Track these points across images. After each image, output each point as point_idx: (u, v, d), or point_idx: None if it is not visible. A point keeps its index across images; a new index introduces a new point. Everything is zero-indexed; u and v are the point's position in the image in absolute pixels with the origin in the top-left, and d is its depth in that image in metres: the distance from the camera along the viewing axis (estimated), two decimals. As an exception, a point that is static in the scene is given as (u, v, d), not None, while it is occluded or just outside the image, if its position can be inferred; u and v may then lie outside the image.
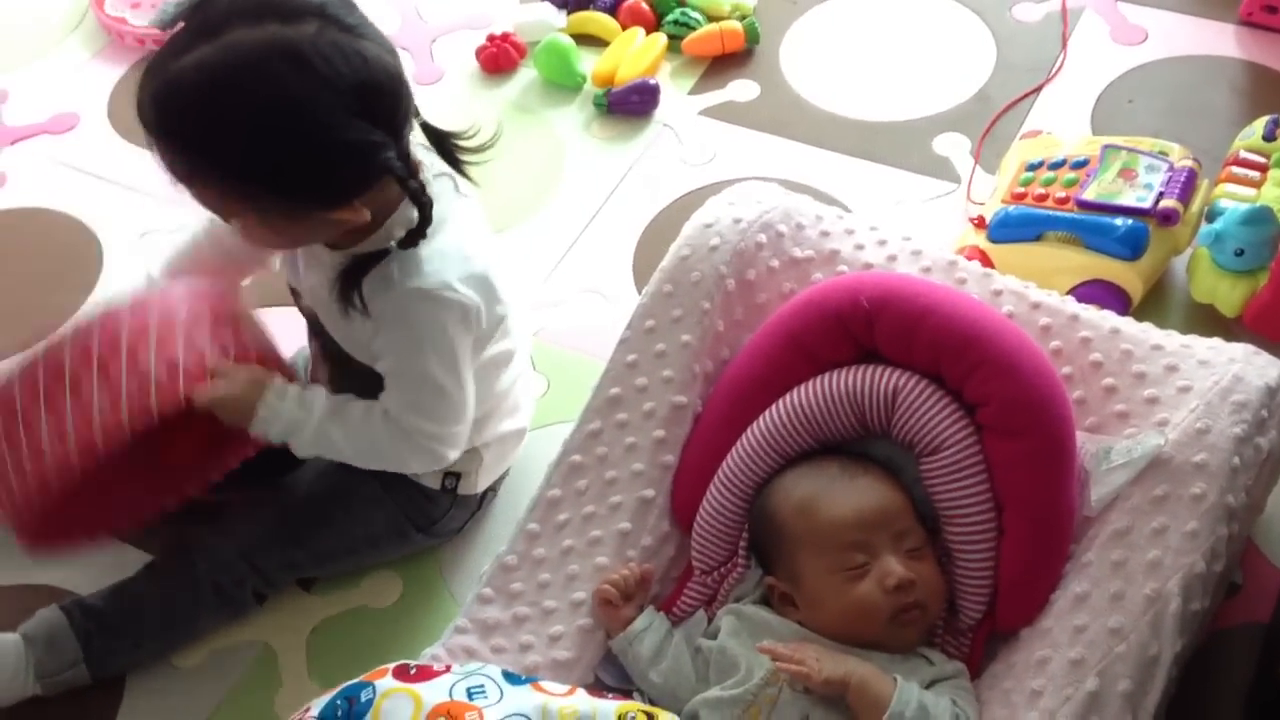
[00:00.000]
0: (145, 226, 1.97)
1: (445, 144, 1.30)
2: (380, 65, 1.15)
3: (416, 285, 1.24)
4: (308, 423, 1.30)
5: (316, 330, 1.40)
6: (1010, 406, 1.20)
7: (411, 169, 1.21)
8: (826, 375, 1.28)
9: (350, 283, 1.23)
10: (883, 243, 1.42)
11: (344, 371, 1.38)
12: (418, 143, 1.28)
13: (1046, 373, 1.22)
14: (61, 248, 1.98)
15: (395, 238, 1.24)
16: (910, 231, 1.45)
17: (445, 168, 1.31)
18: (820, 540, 1.20)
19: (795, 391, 1.29)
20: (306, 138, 1.13)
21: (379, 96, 1.15)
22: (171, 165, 1.18)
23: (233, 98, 1.11)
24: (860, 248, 1.42)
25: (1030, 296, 1.34)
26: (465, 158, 1.31)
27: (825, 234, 1.43)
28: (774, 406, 1.29)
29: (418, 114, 1.25)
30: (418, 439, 1.31)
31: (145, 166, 2.01)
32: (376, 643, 1.44)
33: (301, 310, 1.42)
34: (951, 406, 1.23)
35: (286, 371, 1.36)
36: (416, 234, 1.23)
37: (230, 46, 1.10)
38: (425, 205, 1.21)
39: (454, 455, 1.34)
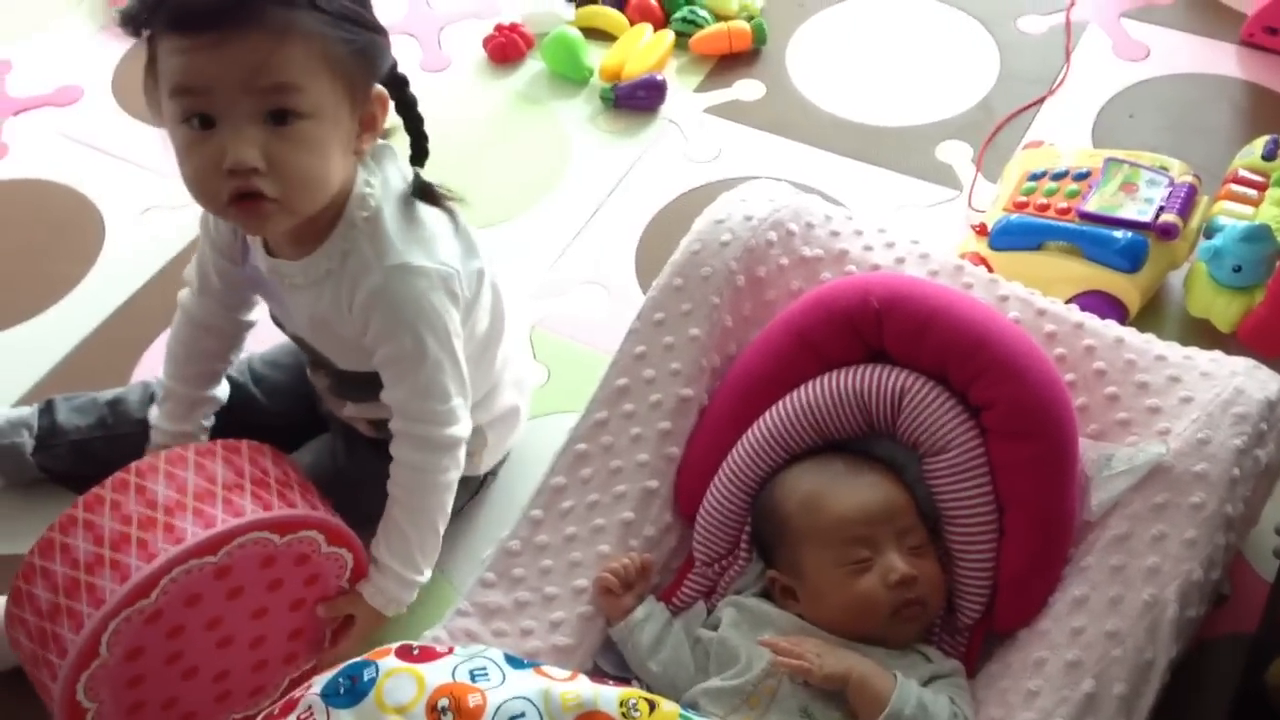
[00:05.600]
0: (147, 202, 1.97)
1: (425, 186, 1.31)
2: None
3: (394, 262, 1.23)
4: (386, 561, 1.33)
5: (305, 348, 1.39)
6: (1015, 410, 1.21)
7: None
8: (834, 373, 1.29)
9: None
10: (890, 245, 1.43)
11: (342, 377, 1.38)
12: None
13: (1052, 378, 1.24)
14: (63, 219, 1.97)
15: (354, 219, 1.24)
16: (917, 235, 1.46)
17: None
18: (824, 534, 1.21)
19: (802, 389, 1.30)
20: None
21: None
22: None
23: None
24: (869, 249, 1.43)
25: (1036, 303, 1.35)
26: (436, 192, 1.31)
27: (835, 234, 1.44)
28: (780, 403, 1.30)
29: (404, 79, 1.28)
30: (432, 438, 1.29)
31: (148, 141, 2.05)
32: (374, 624, 1.44)
33: (289, 335, 1.41)
34: (957, 408, 1.24)
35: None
36: (419, 150, 1.28)
37: None
38: (417, 120, 1.27)
39: (465, 434, 1.31)
